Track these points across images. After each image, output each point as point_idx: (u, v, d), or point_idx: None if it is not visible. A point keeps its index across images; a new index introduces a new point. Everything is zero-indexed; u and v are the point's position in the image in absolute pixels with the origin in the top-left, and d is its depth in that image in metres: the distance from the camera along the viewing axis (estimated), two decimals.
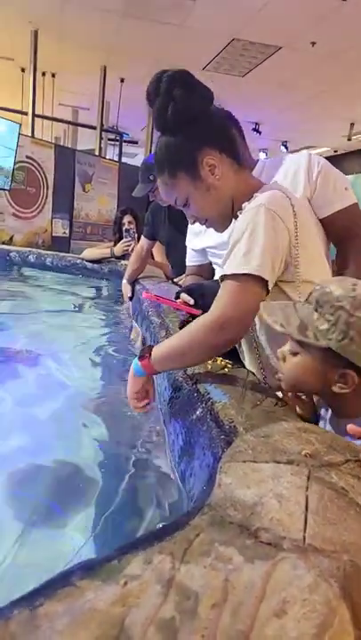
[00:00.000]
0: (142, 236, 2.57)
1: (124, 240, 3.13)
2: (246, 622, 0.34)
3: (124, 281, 2.63)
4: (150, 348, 0.92)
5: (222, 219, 1.01)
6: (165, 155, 0.97)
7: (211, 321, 0.84)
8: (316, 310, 0.69)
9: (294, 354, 0.73)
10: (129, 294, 2.56)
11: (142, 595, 0.36)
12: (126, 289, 2.59)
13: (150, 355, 0.91)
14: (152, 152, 1.15)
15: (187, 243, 1.67)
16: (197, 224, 1.09)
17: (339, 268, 1.29)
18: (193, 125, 0.93)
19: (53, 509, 0.82)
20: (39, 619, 0.34)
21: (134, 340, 1.67)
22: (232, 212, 0.99)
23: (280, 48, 5.11)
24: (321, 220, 1.22)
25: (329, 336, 0.67)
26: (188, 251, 1.67)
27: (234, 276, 0.84)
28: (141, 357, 0.92)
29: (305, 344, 0.70)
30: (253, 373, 0.99)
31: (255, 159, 1.41)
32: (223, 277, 0.87)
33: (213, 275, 1.62)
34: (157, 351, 0.90)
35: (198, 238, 1.57)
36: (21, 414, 1.18)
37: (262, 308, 0.75)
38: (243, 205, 0.94)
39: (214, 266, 1.60)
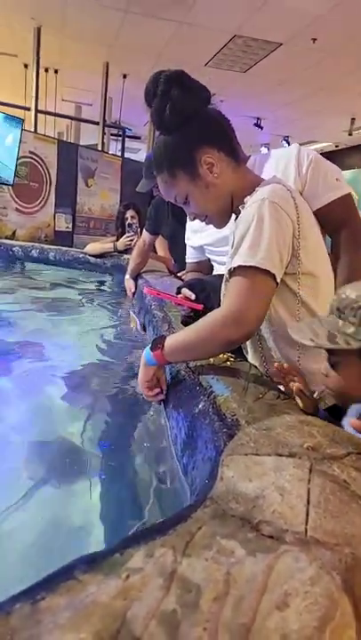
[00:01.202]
0: (144, 231, 2.57)
1: (127, 234, 3.13)
2: (248, 615, 0.34)
3: (127, 276, 2.62)
4: (163, 338, 0.93)
5: (222, 215, 1.02)
6: (164, 154, 0.98)
7: (225, 315, 0.85)
8: (339, 317, 0.71)
9: (334, 366, 0.74)
10: (132, 289, 2.56)
11: (144, 588, 0.36)
12: (129, 284, 2.59)
13: (163, 345, 0.91)
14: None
15: (185, 240, 1.67)
16: (195, 222, 1.09)
17: (334, 259, 1.29)
18: (190, 124, 0.94)
19: (52, 503, 0.82)
20: (41, 613, 0.34)
21: (134, 328, 1.69)
22: (231, 208, 1.00)
23: (281, 44, 5.10)
24: (314, 213, 1.22)
25: (359, 337, 0.67)
26: (187, 248, 1.68)
27: (243, 270, 0.85)
28: (154, 347, 0.93)
29: (339, 352, 0.71)
30: (256, 366, 0.99)
31: (247, 155, 1.41)
32: (232, 272, 0.87)
33: (212, 271, 1.62)
34: (171, 343, 0.91)
35: (196, 236, 1.58)
36: (22, 406, 1.18)
37: (290, 329, 0.77)
38: (245, 200, 0.94)
39: (213, 263, 1.61)
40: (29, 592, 0.35)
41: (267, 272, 0.84)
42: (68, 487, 0.86)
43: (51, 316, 2.29)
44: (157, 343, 0.93)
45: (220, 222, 1.04)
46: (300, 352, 0.95)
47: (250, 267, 0.84)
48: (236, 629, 0.33)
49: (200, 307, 1.06)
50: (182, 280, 1.86)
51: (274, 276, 0.85)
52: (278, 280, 0.87)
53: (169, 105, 0.91)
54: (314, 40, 4.89)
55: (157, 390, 1.00)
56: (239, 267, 0.85)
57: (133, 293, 2.55)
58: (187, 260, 1.71)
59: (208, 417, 0.75)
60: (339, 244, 1.30)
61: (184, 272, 1.90)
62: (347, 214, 1.28)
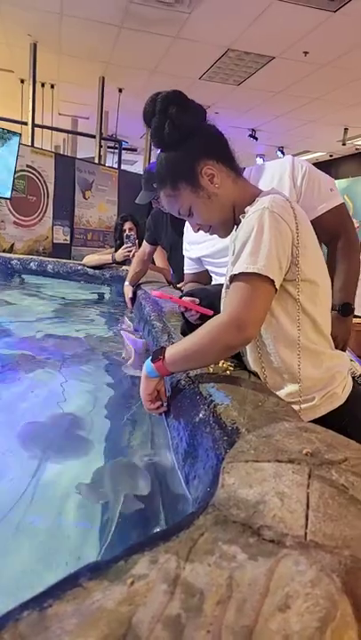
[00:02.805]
0: (144, 241, 2.61)
1: (125, 246, 3.16)
2: (251, 617, 0.35)
3: (126, 282, 2.66)
4: (163, 349, 0.94)
5: (225, 225, 1.04)
6: (166, 168, 1.01)
7: (226, 321, 0.87)
8: None
9: None
10: (130, 295, 2.59)
11: (149, 593, 0.37)
12: (128, 290, 2.62)
13: (164, 356, 0.92)
14: (154, 161, 1.18)
15: (183, 252, 1.69)
16: (193, 233, 1.11)
17: (330, 267, 1.32)
18: (189, 139, 0.97)
19: (56, 511, 0.82)
20: (48, 619, 0.35)
21: (126, 359, 1.67)
22: (234, 218, 1.02)
23: (273, 58, 5.20)
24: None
25: None
26: (185, 259, 1.70)
27: (243, 277, 0.87)
28: (155, 359, 0.94)
29: None
30: (256, 374, 1.00)
31: (242, 167, 1.44)
32: (233, 278, 0.90)
33: (211, 282, 1.64)
34: (172, 352, 0.92)
35: (194, 248, 1.60)
36: (22, 420, 1.19)
37: None
38: (246, 209, 0.97)
39: (212, 274, 1.63)
40: (37, 599, 0.36)
41: (267, 278, 0.87)
42: (65, 499, 0.86)
43: (48, 328, 2.30)
44: (158, 355, 0.94)
45: (224, 232, 1.06)
46: (299, 357, 0.97)
47: (251, 273, 0.86)
48: (239, 631, 0.33)
49: (210, 312, 1.07)
50: (181, 290, 1.88)
51: (273, 283, 0.88)
52: (278, 286, 0.89)
53: (168, 123, 0.95)
54: (305, 53, 4.99)
55: (159, 403, 1.01)
56: (241, 273, 0.87)
57: (132, 300, 2.57)
58: (185, 272, 1.73)
59: (209, 425, 0.76)
60: (334, 252, 1.33)
61: (183, 283, 1.92)
62: (341, 223, 1.31)
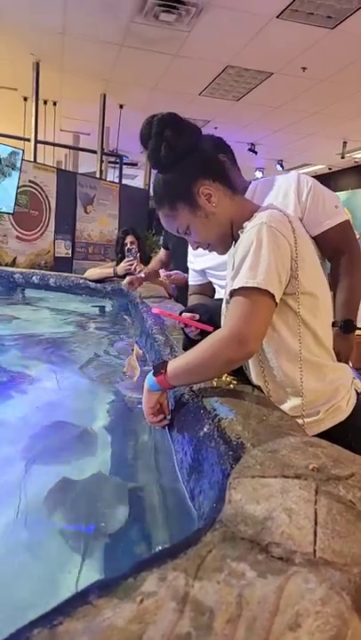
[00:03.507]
0: (161, 247, 2.89)
1: (127, 260, 3.18)
2: (261, 636, 0.34)
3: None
4: (165, 363, 0.95)
5: (223, 242, 1.06)
6: (163, 189, 1.03)
7: (227, 336, 0.87)
8: None
9: None
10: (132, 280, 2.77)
11: (158, 611, 0.37)
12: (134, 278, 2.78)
13: (166, 370, 0.93)
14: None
15: (188, 264, 1.71)
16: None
17: (333, 282, 1.33)
18: (185, 160, 0.99)
19: (59, 528, 0.82)
20: (59, 637, 0.34)
21: (127, 373, 1.67)
22: (232, 235, 1.03)
23: (272, 74, 5.30)
24: (314, 238, 1.25)
25: None
26: (190, 271, 1.71)
27: (243, 291, 0.88)
28: (156, 373, 0.94)
29: None
30: (260, 387, 1.01)
31: (248, 181, 1.46)
32: (233, 293, 0.91)
33: (215, 294, 1.65)
34: (174, 366, 0.93)
35: (198, 260, 1.61)
36: (21, 436, 1.18)
37: None
38: (244, 225, 0.98)
39: (215, 286, 1.64)
40: (47, 617, 0.36)
41: (267, 292, 0.87)
42: (69, 517, 0.86)
43: (50, 343, 2.30)
44: (160, 368, 0.94)
45: (223, 249, 1.08)
46: (301, 371, 0.97)
47: (251, 287, 0.87)
48: None
49: (210, 328, 1.07)
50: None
51: (273, 297, 0.88)
52: (278, 300, 0.90)
53: (164, 145, 0.96)
54: (304, 69, 5.09)
55: (161, 416, 1.01)
56: (240, 288, 0.88)
57: (131, 284, 2.73)
58: (189, 283, 1.74)
59: (213, 440, 0.76)
60: (338, 267, 1.34)
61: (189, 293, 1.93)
62: (346, 240, 1.33)
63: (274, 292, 0.88)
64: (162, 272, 2.53)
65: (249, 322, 0.87)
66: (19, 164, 4.58)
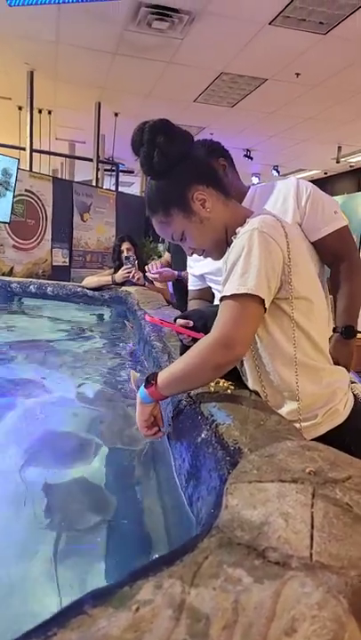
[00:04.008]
0: (165, 251, 2.99)
1: (125, 267, 3.18)
2: None
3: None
4: (155, 374, 0.94)
5: (218, 247, 1.06)
6: (157, 196, 1.03)
7: (214, 341, 0.87)
8: None
9: None
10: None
11: (154, 619, 0.37)
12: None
13: (156, 381, 0.92)
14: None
15: (187, 269, 1.71)
16: None
17: (332, 288, 1.32)
18: (178, 167, 0.99)
19: (60, 535, 0.81)
20: None
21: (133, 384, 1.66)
22: (226, 240, 1.03)
23: (266, 80, 5.34)
24: (313, 244, 1.25)
25: None
26: (189, 276, 1.72)
27: (233, 297, 0.88)
28: (147, 385, 0.94)
29: None
30: (257, 392, 1.00)
31: (247, 185, 1.46)
32: (223, 298, 0.90)
33: (214, 298, 1.65)
34: (163, 376, 0.92)
35: (197, 265, 1.62)
36: (23, 443, 1.18)
37: None
38: (237, 230, 0.98)
39: (214, 291, 1.64)
40: (41, 628, 0.36)
41: (257, 297, 0.87)
42: (69, 522, 0.86)
43: (48, 352, 2.30)
44: (150, 380, 0.94)
45: (218, 254, 1.08)
46: (297, 375, 0.97)
47: (240, 294, 0.87)
48: None
49: (201, 335, 1.07)
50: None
51: (262, 302, 0.88)
52: (267, 305, 0.90)
53: (156, 152, 0.96)
54: (297, 74, 5.12)
55: (156, 429, 1.00)
56: (230, 294, 0.88)
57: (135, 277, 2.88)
58: (189, 288, 1.75)
59: (211, 446, 0.75)
60: (338, 273, 1.34)
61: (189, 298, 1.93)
62: (345, 246, 1.33)
63: (264, 297, 0.88)
64: (149, 267, 2.60)
65: (237, 326, 0.87)
66: (13, 184, 4.59)
